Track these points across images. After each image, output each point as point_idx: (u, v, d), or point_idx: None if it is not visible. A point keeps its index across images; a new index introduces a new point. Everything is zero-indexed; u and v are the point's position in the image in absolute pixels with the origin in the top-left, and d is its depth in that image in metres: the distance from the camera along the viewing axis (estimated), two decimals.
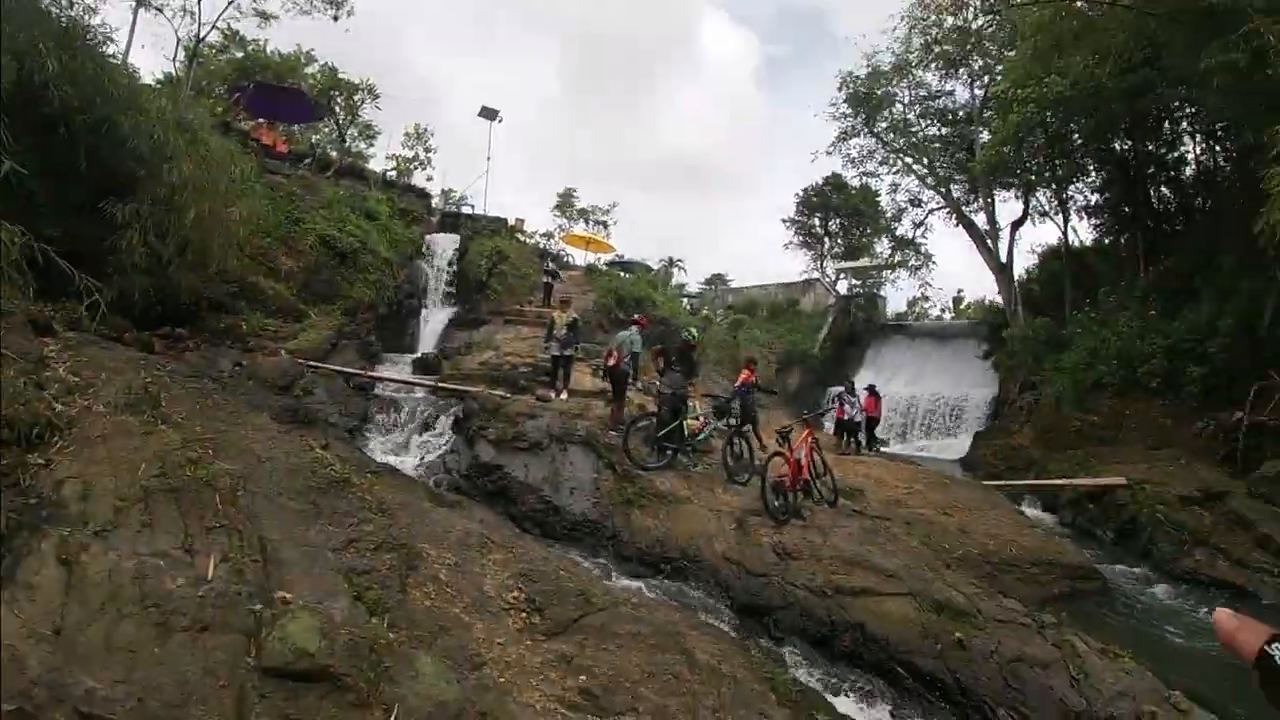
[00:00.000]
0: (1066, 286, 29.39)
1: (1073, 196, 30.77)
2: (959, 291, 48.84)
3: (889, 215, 43.35)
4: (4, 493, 5.23)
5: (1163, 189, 27.48)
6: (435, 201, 34.56)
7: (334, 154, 32.27)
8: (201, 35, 26.21)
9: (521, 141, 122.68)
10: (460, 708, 4.64)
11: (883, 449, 23.93)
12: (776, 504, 10.40)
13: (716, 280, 58.72)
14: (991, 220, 33.81)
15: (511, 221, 31.54)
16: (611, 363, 13.49)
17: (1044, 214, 32.47)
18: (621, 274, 31.50)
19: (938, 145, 36.78)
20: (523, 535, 9.13)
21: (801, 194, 51.30)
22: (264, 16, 27.64)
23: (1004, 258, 32.82)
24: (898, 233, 43.03)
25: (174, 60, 27.41)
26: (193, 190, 12.83)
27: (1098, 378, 22.63)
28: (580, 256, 36.79)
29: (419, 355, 20.15)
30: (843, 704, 7.18)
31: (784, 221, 52.61)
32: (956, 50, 33.60)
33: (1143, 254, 25.89)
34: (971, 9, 31.25)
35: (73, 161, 11.03)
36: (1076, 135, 27.17)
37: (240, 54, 33.13)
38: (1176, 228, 26.36)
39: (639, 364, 13.66)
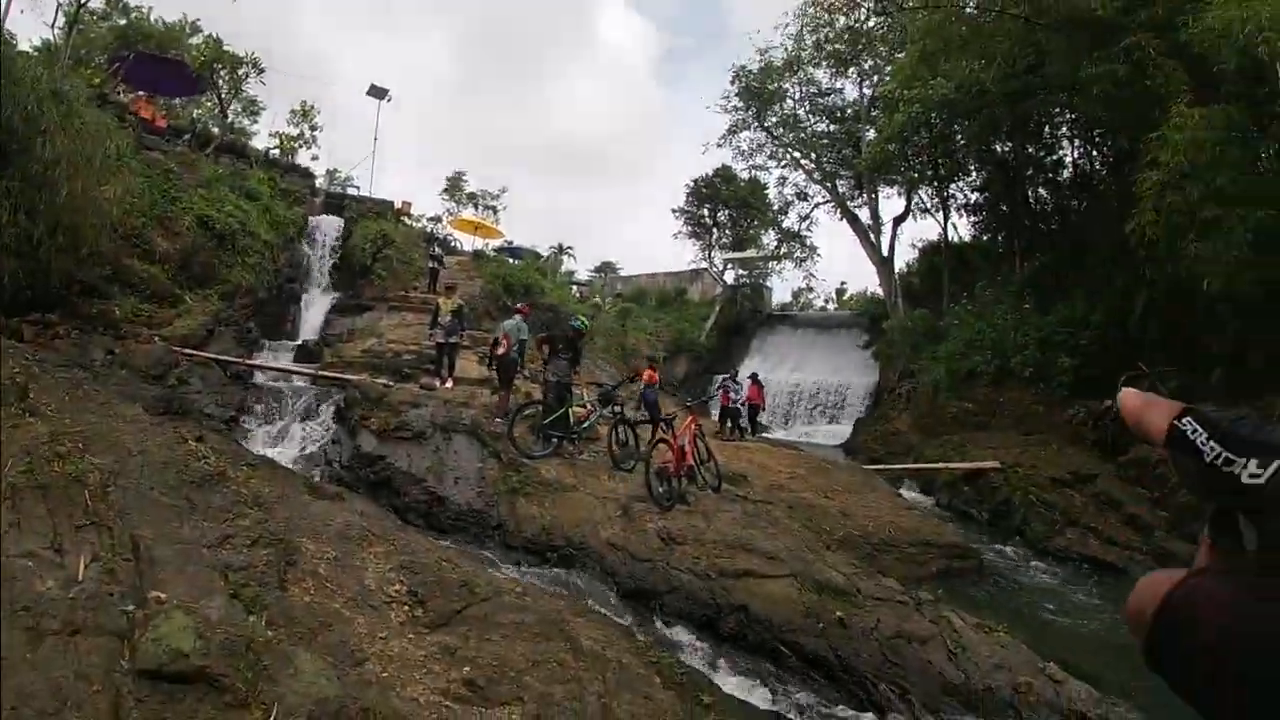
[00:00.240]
0: (945, 280, 30.65)
1: (954, 194, 32.07)
2: (842, 283, 50.45)
3: (776, 208, 44.56)
4: None
5: (1040, 190, 28.88)
6: (320, 182, 33.26)
7: (215, 130, 30.70)
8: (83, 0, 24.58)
9: (413, 123, 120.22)
10: (341, 705, 4.45)
11: (766, 435, 24.34)
12: (661, 490, 10.37)
13: (606, 268, 58.76)
14: (875, 215, 34.90)
15: (398, 204, 30.58)
16: (500, 351, 13.18)
17: (925, 210, 33.80)
18: (510, 260, 31.09)
19: (825, 141, 37.64)
20: (406, 527, 8.92)
21: (692, 184, 51.87)
22: None
23: (886, 251, 33.91)
24: (784, 225, 44.10)
25: (53, 26, 25.62)
26: (67, 166, 11.98)
27: (973, 367, 23.67)
28: (468, 242, 36.08)
29: (300, 343, 19.34)
30: (728, 685, 7.14)
31: (674, 211, 53.00)
32: (847, 49, 34.47)
33: (1019, 251, 27.18)
34: (863, 10, 31.97)
35: None
36: (960, 136, 28.25)
37: (123, 21, 31.26)
38: (1052, 226, 27.70)
39: (525, 352, 13.42)
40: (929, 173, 30.84)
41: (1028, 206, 28.41)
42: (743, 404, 21.49)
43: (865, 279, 60.99)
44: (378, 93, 35.97)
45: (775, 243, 46.31)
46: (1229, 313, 15.52)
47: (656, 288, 46.94)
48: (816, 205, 40.74)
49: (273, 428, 13.62)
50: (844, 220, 36.38)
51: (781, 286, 51.17)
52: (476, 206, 47.81)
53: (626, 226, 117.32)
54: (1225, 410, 0.67)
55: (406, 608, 6.22)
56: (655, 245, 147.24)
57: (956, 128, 27.66)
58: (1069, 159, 27.71)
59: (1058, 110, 24.85)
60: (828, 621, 7.91)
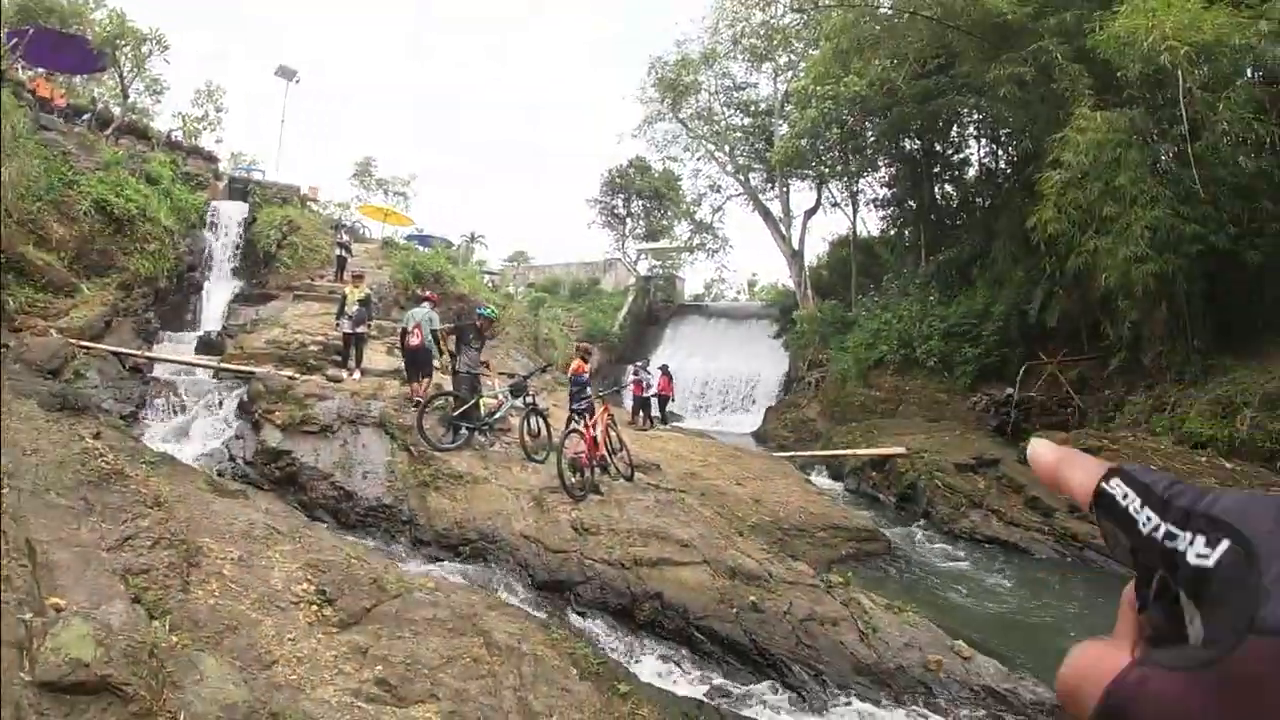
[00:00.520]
0: (853, 273, 31.46)
1: (863, 190, 33.08)
2: (753, 275, 50.78)
3: (690, 199, 44.78)
4: None
5: (947, 186, 30.04)
6: (224, 166, 32.17)
7: (116, 110, 29.33)
8: None
9: (325, 106, 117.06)
10: (250, 709, 4.32)
11: (679, 424, 24.50)
12: (574, 480, 10.31)
13: (519, 257, 58.18)
14: (786, 208, 35.43)
15: (304, 190, 29.80)
16: (415, 343, 12.85)
17: (835, 204, 34.74)
18: (420, 248, 30.50)
19: (739, 135, 38.02)
20: (313, 524, 8.70)
21: (606, 175, 51.70)
22: None
23: (796, 244, 34.46)
24: (697, 217, 44.47)
25: None
26: None
27: (880, 357, 24.49)
28: (377, 229, 35.29)
29: (202, 334, 18.66)
30: (645, 672, 7.12)
31: (588, 201, 52.80)
32: (763, 44, 34.94)
33: (925, 245, 28.00)
34: (780, 5, 32.34)
35: None
36: (870, 133, 29.07)
37: None
38: (958, 222, 28.68)
39: (438, 341, 13.14)
40: (839, 168, 31.61)
41: (934, 202, 29.40)
42: (654, 394, 21.56)
43: (776, 271, 61.91)
44: (286, 74, 34.96)
45: (688, 234, 46.71)
46: (1126, 306, 16.15)
47: (570, 277, 46.71)
48: (729, 198, 41.29)
49: (174, 423, 13.04)
50: (756, 213, 36.81)
51: (694, 277, 51.78)
52: (386, 193, 46.83)
53: (540, 217, 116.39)
54: (1156, 472, 0.60)
55: (315, 607, 6.03)
56: (569, 236, 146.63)
57: (867, 125, 28.43)
58: (975, 158, 28.95)
59: (966, 110, 25.72)
60: (741, 606, 7.98)
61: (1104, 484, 0.64)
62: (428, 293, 14.96)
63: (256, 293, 21.50)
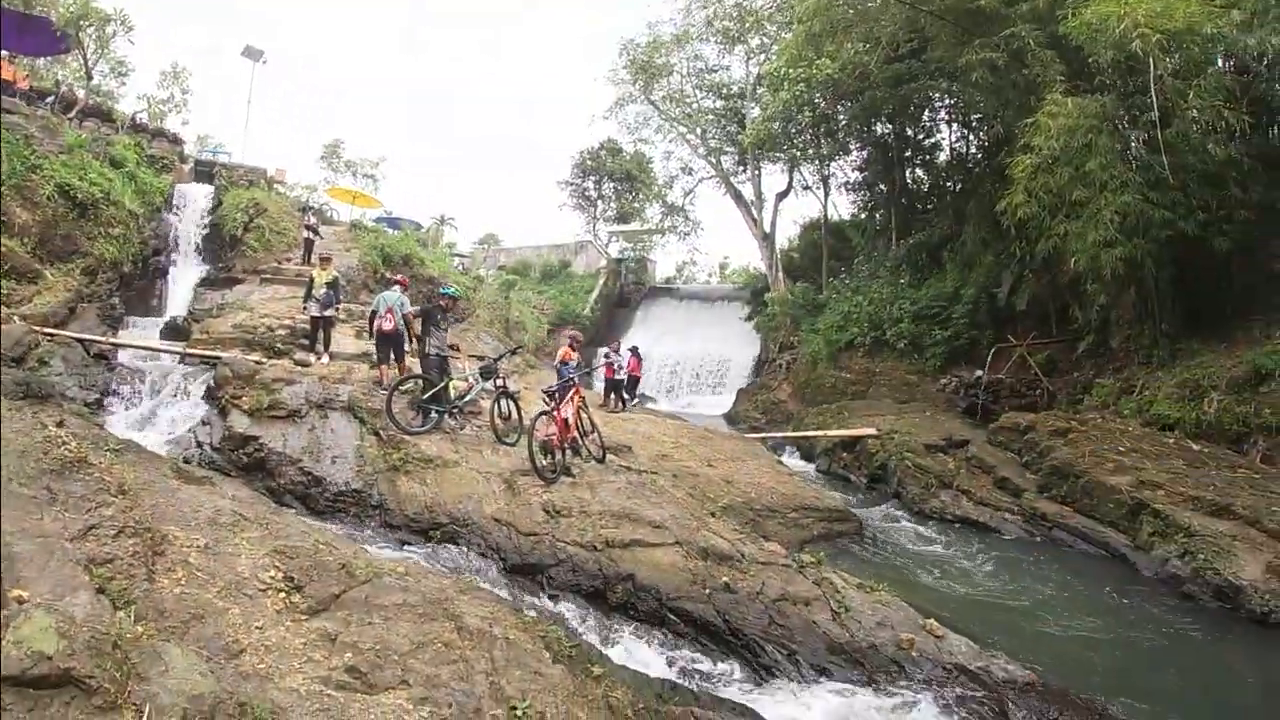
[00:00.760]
0: (824, 256, 31.63)
1: (834, 173, 33.12)
2: (725, 258, 50.76)
3: (661, 182, 44.67)
4: None
5: (918, 171, 30.23)
6: (190, 149, 31.59)
7: (80, 93, 28.69)
8: None
9: (319, 100, 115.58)
10: (217, 700, 4.16)
11: (651, 406, 24.58)
12: (545, 463, 10.23)
13: (489, 240, 57.83)
14: (758, 191, 35.41)
15: (271, 172, 29.30)
16: (388, 327, 12.68)
17: (807, 188, 34.81)
18: (389, 231, 30.17)
19: (711, 117, 37.88)
20: (282, 510, 8.47)
21: (577, 157, 51.41)
22: None
23: (768, 227, 34.52)
24: (669, 199, 44.30)
25: None
26: None
27: (850, 339, 24.73)
28: (345, 212, 34.87)
29: (167, 319, 18.37)
30: (618, 655, 7.07)
31: (559, 183, 52.51)
32: (735, 27, 34.76)
33: (896, 229, 28.19)
34: None
35: None
36: (842, 116, 29.14)
37: None
38: (928, 206, 28.91)
39: (410, 325, 12.98)
40: (811, 151, 31.60)
41: (905, 186, 29.55)
42: (625, 375, 21.59)
43: (747, 254, 61.90)
44: (252, 54, 34.33)
45: (660, 216, 46.55)
46: (1095, 290, 16.30)
47: (541, 260, 46.50)
48: (701, 180, 41.18)
49: (139, 410, 12.82)
50: (728, 196, 36.84)
51: (665, 260, 51.73)
52: (355, 175, 46.29)
53: (511, 199, 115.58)
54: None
55: (283, 594, 5.90)
56: (541, 219, 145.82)
57: (839, 108, 28.47)
58: (946, 142, 29.11)
59: (938, 95, 25.85)
60: (714, 587, 7.97)
61: None
62: (399, 276, 14.80)
63: (223, 277, 21.09)
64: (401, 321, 12.55)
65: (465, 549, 9.00)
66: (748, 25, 34.28)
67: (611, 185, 51.34)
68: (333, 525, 9.11)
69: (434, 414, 11.58)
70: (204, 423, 11.73)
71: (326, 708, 4.55)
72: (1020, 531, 13.14)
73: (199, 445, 11.10)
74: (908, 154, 29.31)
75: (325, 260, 15.10)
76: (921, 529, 13.55)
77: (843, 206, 33.99)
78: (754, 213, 34.75)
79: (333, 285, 14.36)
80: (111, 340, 14.97)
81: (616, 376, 20.74)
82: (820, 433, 19.56)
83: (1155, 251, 14.96)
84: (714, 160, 37.70)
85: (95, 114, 26.02)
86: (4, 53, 24.17)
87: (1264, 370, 13.42)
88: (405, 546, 9.03)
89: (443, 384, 11.66)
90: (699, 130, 37.98)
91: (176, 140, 29.65)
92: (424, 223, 46.08)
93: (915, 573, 10.98)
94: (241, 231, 22.31)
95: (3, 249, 14.97)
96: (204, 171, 26.55)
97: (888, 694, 6.80)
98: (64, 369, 12.53)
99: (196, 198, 23.50)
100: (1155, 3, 14.14)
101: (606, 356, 21.11)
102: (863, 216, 32.23)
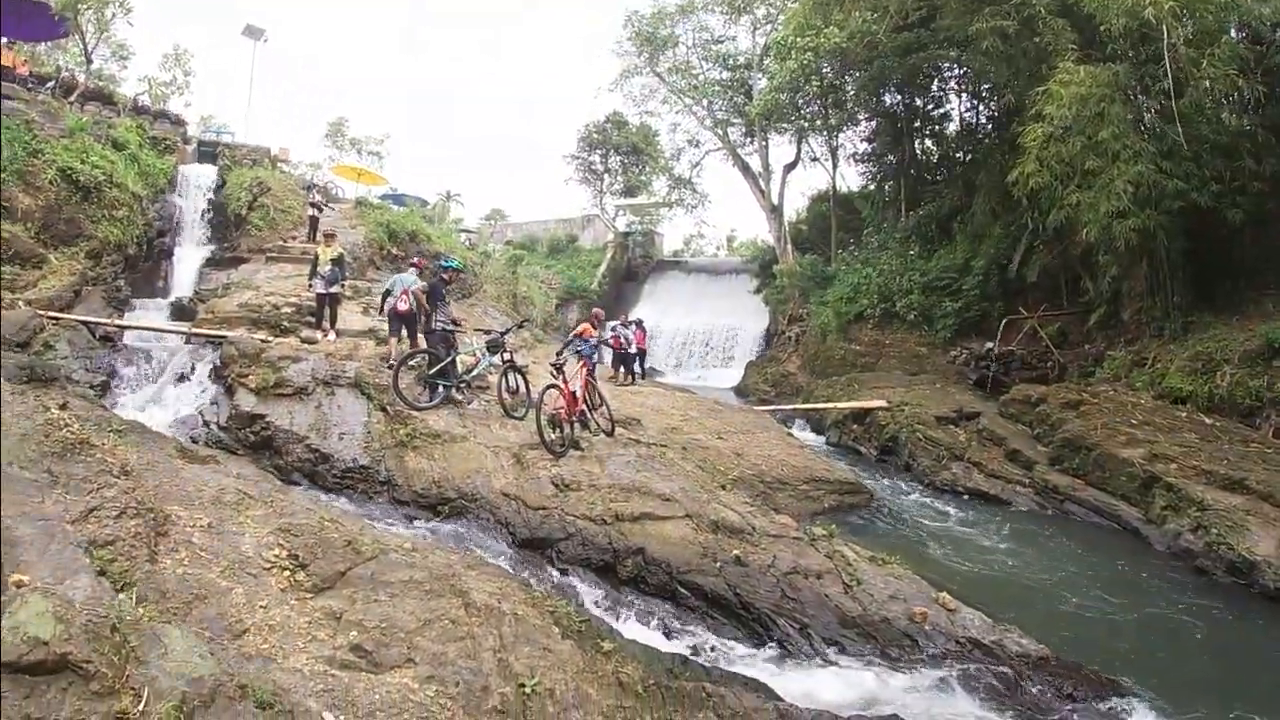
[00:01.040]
0: (833, 227, 31.40)
1: (843, 144, 32.77)
2: (732, 230, 50.50)
3: (668, 154, 44.16)
4: None
5: (927, 141, 29.83)
6: (192, 129, 31.46)
7: (80, 77, 28.53)
8: None
9: (320, 100, 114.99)
10: (217, 682, 4.12)
11: (660, 379, 24.57)
12: (553, 437, 10.20)
13: (496, 215, 57.57)
14: (765, 163, 35.02)
15: (275, 150, 29.18)
16: (404, 308, 12.63)
17: (815, 159, 34.43)
18: (394, 207, 30.01)
19: (718, 88, 37.37)
20: (286, 488, 8.44)
21: (583, 130, 51.03)
22: None
23: (776, 199, 34.18)
24: (676, 172, 43.81)
25: None
26: None
27: (860, 311, 24.57)
28: (350, 189, 34.71)
29: (173, 300, 18.31)
30: (629, 629, 7.06)
31: (565, 157, 52.20)
32: None
33: (905, 200, 27.91)
34: None
35: None
36: (850, 86, 28.78)
37: None
38: (938, 177, 28.58)
39: (420, 306, 12.92)
40: (819, 122, 31.32)
41: (915, 157, 29.22)
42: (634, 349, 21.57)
43: (755, 226, 61.76)
44: (253, 33, 34.12)
45: (667, 189, 46.18)
46: (1107, 261, 16.13)
47: (548, 235, 46.28)
48: (708, 152, 40.67)
49: (146, 391, 12.79)
50: (735, 167, 36.41)
51: (673, 233, 51.24)
52: (360, 153, 46.10)
53: (518, 172, 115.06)
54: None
55: (287, 573, 5.89)
56: (548, 193, 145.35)
57: (847, 78, 28.14)
58: (956, 112, 28.74)
59: (947, 64, 25.51)
60: (725, 560, 7.93)
61: None
62: (415, 259, 14.78)
63: (228, 256, 20.95)
64: (415, 303, 12.50)
65: (474, 524, 9.01)
66: None
67: (618, 158, 50.99)
68: (340, 501, 9.12)
69: (441, 389, 11.54)
70: (211, 402, 11.77)
71: (330, 688, 4.53)
72: (1032, 504, 13.08)
73: (206, 424, 11.13)
74: (917, 124, 28.95)
75: (330, 237, 15.05)
76: (933, 501, 13.53)
77: (851, 178, 33.86)
78: (761, 185, 34.45)
79: (338, 262, 14.31)
80: (118, 322, 14.98)
81: (625, 349, 20.71)
82: (830, 405, 19.48)
83: (1168, 223, 14.81)
84: (721, 132, 37.30)
85: (96, 97, 25.92)
86: (3, 39, 24.03)
87: (1277, 344, 13.28)
88: (413, 522, 9.03)
89: (449, 358, 11.62)
90: (705, 102, 37.52)
91: (179, 121, 29.51)
92: (430, 199, 45.89)
93: (927, 545, 10.94)
94: (246, 210, 22.19)
95: (6, 234, 14.88)
96: (207, 152, 26.41)
97: (901, 668, 6.77)
98: (70, 352, 12.50)
99: (200, 178, 23.38)
100: None
101: (614, 330, 21.06)
102: (871, 188, 31.89)
